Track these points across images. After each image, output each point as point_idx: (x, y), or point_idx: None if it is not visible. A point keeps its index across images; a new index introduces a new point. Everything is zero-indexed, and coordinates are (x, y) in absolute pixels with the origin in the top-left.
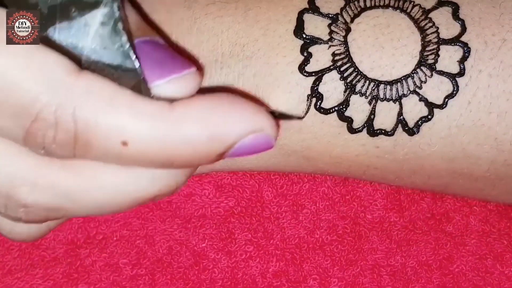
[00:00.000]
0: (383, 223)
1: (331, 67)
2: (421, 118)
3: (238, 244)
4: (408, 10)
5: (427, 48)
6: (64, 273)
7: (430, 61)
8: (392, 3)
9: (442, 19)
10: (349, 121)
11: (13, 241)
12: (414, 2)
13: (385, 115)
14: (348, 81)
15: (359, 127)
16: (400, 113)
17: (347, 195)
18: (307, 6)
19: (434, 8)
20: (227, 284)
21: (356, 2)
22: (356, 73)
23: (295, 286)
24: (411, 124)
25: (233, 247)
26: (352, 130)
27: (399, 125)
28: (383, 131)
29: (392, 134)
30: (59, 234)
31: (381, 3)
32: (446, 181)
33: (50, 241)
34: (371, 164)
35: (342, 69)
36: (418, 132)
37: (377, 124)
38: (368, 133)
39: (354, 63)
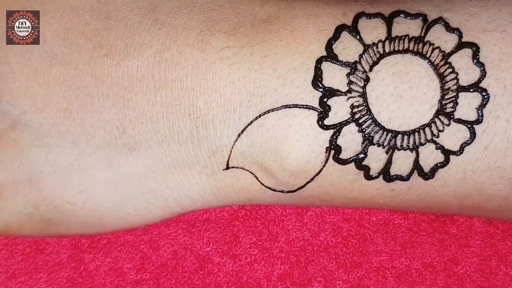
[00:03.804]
0: (388, 225)
1: (350, 120)
2: (436, 164)
3: (243, 248)
4: (428, 55)
5: (446, 96)
6: (68, 277)
7: (448, 110)
8: (411, 47)
9: (462, 63)
10: (366, 169)
11: None
12: (434, 44)
13: (402, 162)
14: (366, 132)
15: (376, 175)
16: (416, 161)
17: None
18: (324, 52)
19: (453, 51)
20: None
21: (374, 48)
22: (374, 124)
23: None
24: (426, 169)
25: (237, 251)
26: (368, 177)
27: (415, 171)
28: (399, 177)
29: (408, 179)
30: (63, 239)
31: (400, 48)
32: (456, 212)
33: (54, 246)
34: (385, 202)
35: (360, 121)
36: (433, 177)
37: (393, 170)
38: (384, 179)
39: (373, 114)
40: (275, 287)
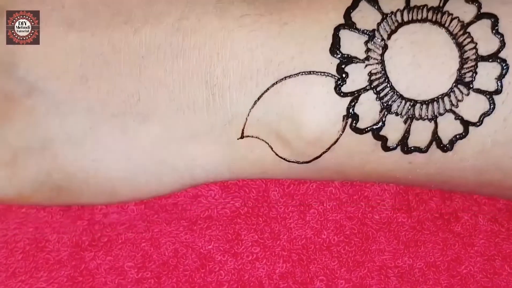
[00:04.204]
0: (391, 224)
1: (367, 88)
2: (455, 136)
3: (245, 246)
4: (447, 24)
5: (465, 66)
6: (69, 276)
7: (467, 79)
8: (430, 17)
9: (481, 33)
10: (383, 140)
11: None
12: (452, 14)
13: (420, 133)
14: (384, 101)
15: (393, 145)
16: (435, 132)
17: (354, 195)
18: (342, 20)
19: (472, 21)
20: (234, 286)
21: (393, 16)
22: (392, 93)
23: None
24: (445, 141)
25: (239, 249)
26: (386, 148)
27: (433, 142)
28: (417, 149)
29: (426, 151)
30: (63, 237)
31: (419, 17)
32: (474, 188)
33: (54, 244)
34: (402, 176)
35: (378, 89)
36: (452, 149)
37: (411, 141)
38: (402, 150)
39: (391, 82)
40: (276, 285)
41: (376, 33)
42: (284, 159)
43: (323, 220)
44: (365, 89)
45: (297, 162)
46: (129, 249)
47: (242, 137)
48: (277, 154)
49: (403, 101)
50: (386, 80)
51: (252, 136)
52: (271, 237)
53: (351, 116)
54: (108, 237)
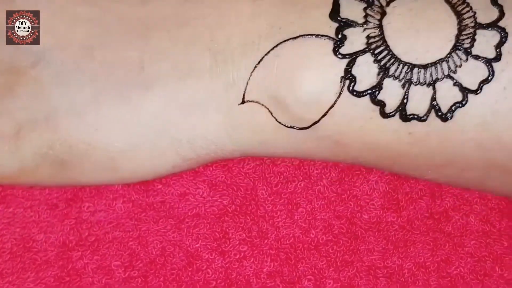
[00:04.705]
0: (380, 223)
1: (365, 50)
2: (454, 104)
3: (232, 244)
4: None
5: (464, 32)
6: (56, 276)
7: (466, 45)
8: None
9: (480, 3)
10: (381, 105)
11: None
12: None
13: (418, 100)
14: (381, 64)
15: (392, 112)
16: (433, 98)
17: (343, 194)
18: None
19: None
20: (221, 285)
21: None
22: (390, 56)
23: (290, 287)
24: (444, 109)
25: (227, 247)
26: (384, 115)
27: (432, 111)
28: (415, 116)
29: (425, 120)
30: (50, 237)
31: None
32: (479, 174)
33: (41, 244)
34: (402, 152)
35: (376, 52)
36: (451, 118)
37: (410, 109)
38: (400, 118)
39: (388, 46)
40: (264, 284)
41: (375, 1)
42: (283, 124)
43: (311, 219)
44: (363, 51)
45: (296, 128)
46: (116, 248)
47: (243, 102)
48: (276, 120)
49: (401, 65)
50: (384, 44)
51: (253, 101)
52: (258, 236)
53: (349, 78)
54: (96, 236)
